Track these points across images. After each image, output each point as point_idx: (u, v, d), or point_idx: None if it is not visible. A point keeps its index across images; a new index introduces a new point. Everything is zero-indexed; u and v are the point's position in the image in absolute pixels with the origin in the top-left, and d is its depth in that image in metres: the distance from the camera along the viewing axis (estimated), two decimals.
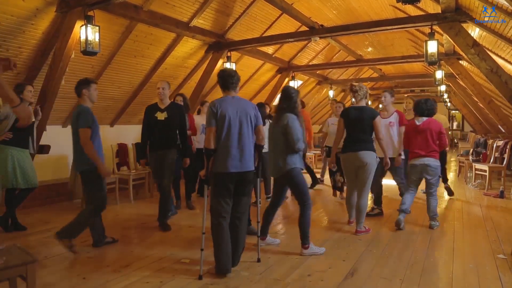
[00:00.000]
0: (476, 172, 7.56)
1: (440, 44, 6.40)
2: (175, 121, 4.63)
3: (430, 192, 4.63)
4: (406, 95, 18.94)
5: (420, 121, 4.59)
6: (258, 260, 3.52)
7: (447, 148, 5.36)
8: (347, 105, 7.27)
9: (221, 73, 3.46)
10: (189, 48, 7.16)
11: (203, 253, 3.23)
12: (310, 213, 3.71)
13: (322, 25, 7.30)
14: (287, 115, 3.64)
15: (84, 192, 3.99)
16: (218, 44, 7.29)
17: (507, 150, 7.31)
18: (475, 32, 5.93)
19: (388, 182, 5.75)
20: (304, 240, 3.69)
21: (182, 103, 5.39)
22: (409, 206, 4.65)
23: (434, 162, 4.51)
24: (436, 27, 5.78)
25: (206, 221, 3.27)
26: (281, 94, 3.80)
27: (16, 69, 2.35)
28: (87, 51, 4.83)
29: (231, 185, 3.23)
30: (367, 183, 4.34)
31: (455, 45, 6.29)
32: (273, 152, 3.78)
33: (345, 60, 11.10)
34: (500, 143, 7.70)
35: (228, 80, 3.36)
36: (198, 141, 5.82)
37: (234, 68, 7.49)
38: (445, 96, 16.06)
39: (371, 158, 4.28)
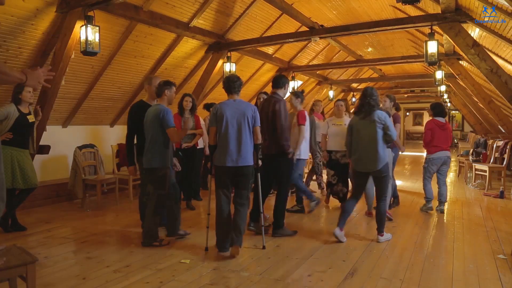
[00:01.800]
0: (476, 172, 7.56)
1: (440, 44, 6.40)
2: None
3: (444, 180, 5.48)
4: (406, 95, 19.02)
5: (443, 120, 5.48)
6: (263, 247, 3.87)
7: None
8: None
9: (226, 79, 3.91)
10: (189, 48, 7.16)
11: (208, 229, 3.89)
12: (387, 205, 4.21)
13: (322, 26, 7.30)
14: (379, 111, 4.02)
15: (149, 188, 4.10)
16: (218, 44, 7.29)
17: (507, 150, 7.32)
18: (475, 32, 5.93)
19: None
20: (381, 228, 4.12)
21: (191, 104, 5.39)
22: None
23: (450, 154, 5.53)
24: (436, 27, 5.78)
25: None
26: (365, 93, 4.08)
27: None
28: (87, 51, 4.82)
29: (228, 178, 3.74)
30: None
31: (455, 45, 6.29)
32: (366, 148, 4.02)
33: (345, 60, 11.11)
34: (500, 143, 7.70)
35: (231, 85, 3.80)
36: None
37: (234, 69, 7.53)
38: (445, 96, 16.07)
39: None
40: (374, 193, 4.93)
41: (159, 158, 3.87)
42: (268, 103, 4.40)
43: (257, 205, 4.19)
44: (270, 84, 10.64)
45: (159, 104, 3.92)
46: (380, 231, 4.11)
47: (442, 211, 5.38)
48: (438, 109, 5.55)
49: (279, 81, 4.45)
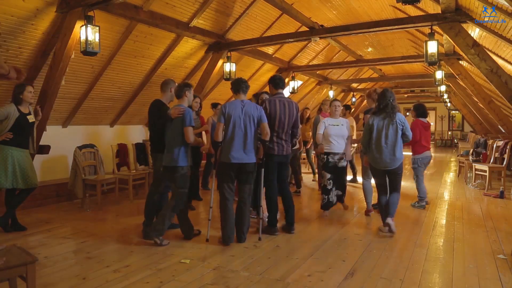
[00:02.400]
0: (476, 172, 7.56)
1: (440, 44, 6.39)
2: None
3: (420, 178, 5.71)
4: (406, 95, 19.02)
5: (425, 120, 5.73)
6: (259, 239, 4.11)
7: None
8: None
9: (235, 80, 4.21)
10: (189, 48, 7.16)
11: (210, 222, 4.18)
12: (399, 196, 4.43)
13: (322, 26, 7.30)
14: (399, 113, 4.31)
15: (170, 187, 4.16)
16: (218, 44, 7.29)
17: (507, 150, 7.32)
18: (475, 32, 5.93)
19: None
20: (393, 212, 4.33)
21: (199, 105, 5.50)
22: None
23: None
24: (436, 27, 5.78)
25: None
26: (386, 94, 4.30)
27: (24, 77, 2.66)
28: (87, 51, 4.81)
29: (233, 173, 4.01)
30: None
31: (455, 45, 6.29)
32: (387, 147, 4.26)
33: (345, 60, 11.11)
34: (500, 143, 7.70)
35: (240, 85, 4.08)
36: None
37: (234, 69, 7.54)
38: (445, 96, 16.07)
39: None
40: (372, 190, 5.06)
41: (182, 157, 3.95)
42: (288, 104, 4.37)
43: (257, 199, 4.38)
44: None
45: (181, 105, 4.03)
46: (391, 215, 4.28)
47: (423, 207, 5.58)
48: (421, 110, 5.82)
49: (284, 81, 4.55)
